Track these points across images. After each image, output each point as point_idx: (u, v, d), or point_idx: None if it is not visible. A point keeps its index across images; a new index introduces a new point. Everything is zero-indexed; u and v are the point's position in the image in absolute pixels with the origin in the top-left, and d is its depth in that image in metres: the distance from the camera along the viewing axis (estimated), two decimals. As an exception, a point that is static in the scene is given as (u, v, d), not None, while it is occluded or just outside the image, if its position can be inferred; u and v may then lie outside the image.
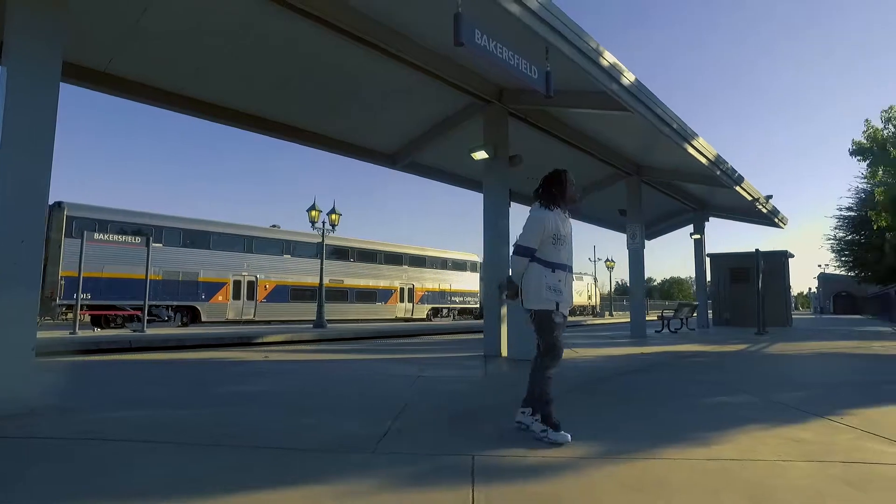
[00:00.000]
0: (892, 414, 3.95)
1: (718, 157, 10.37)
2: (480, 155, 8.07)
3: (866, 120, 12.31)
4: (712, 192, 15.01)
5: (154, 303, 18.41)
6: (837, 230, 31.02)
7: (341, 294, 25.88)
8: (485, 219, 8.24)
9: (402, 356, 8.29)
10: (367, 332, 15.08)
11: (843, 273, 34.47)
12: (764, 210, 14.68)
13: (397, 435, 3.14)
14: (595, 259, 44.21)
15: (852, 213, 28.83)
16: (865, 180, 26.62)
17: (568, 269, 3.17)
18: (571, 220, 3.34)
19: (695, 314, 17.19)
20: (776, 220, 16.21)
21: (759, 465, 2.61)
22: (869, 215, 13.63)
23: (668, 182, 14.07)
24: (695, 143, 9.29)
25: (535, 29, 5.03)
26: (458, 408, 4.18)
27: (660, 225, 18.96)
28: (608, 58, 6.27)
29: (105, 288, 17.72)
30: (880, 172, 11.88)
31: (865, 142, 12.09)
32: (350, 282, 26.49)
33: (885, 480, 2.42)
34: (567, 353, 7.34)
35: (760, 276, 14.14)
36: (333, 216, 17.80)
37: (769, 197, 13.97)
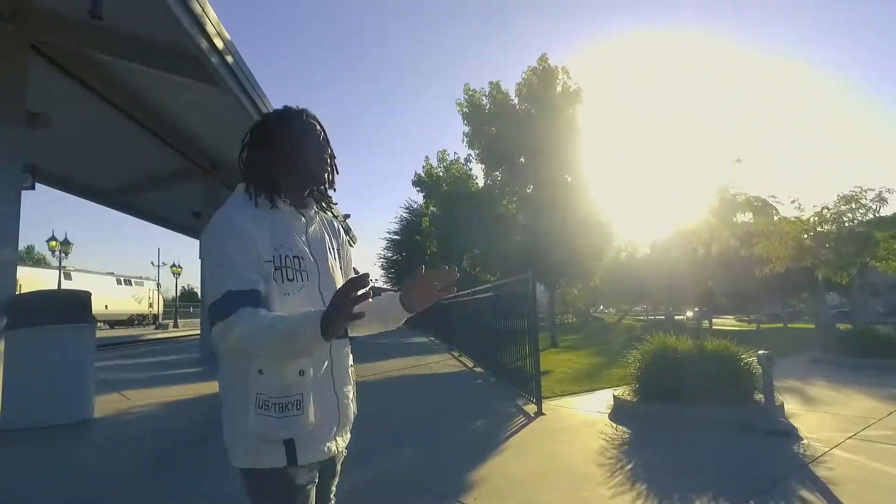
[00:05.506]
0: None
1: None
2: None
3: (426, 157, 14.96)
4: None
5: None
6: (387, 251, 37.39)
7: None
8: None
9: None
10: None
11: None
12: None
13: None
14: (160, 263, 38.80)
15: (398, 238, 35.48)
16: (408, 211, 33.39)
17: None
18: None
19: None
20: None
21: None
22: (418, 239, 16.45)
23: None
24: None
25: None
26: None
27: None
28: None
29: None
30: (433, 208, 14.48)
31: (424, 175, 14.61)
32: None
33: None
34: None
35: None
36: None
37: (346, 216, 15.06)
